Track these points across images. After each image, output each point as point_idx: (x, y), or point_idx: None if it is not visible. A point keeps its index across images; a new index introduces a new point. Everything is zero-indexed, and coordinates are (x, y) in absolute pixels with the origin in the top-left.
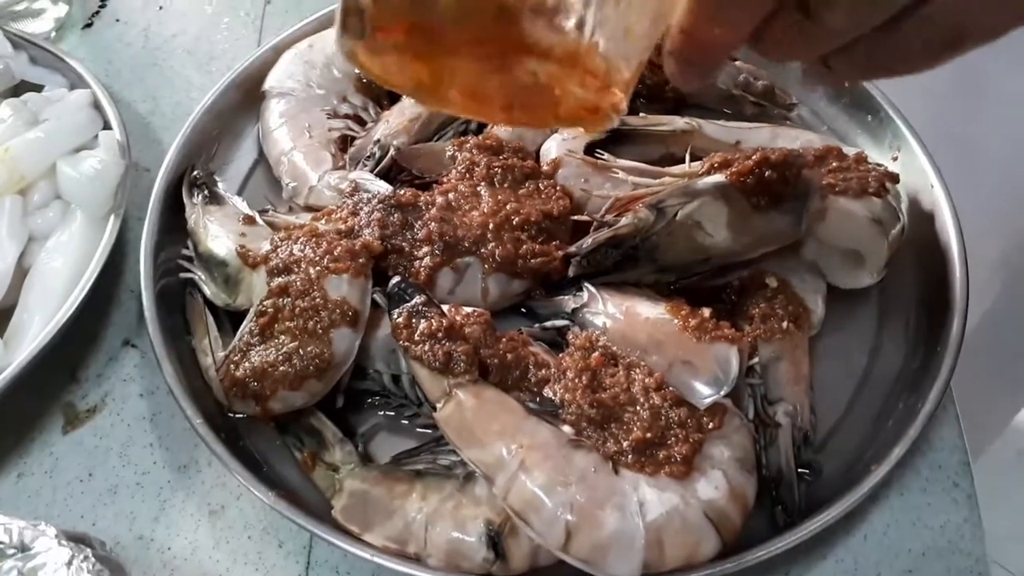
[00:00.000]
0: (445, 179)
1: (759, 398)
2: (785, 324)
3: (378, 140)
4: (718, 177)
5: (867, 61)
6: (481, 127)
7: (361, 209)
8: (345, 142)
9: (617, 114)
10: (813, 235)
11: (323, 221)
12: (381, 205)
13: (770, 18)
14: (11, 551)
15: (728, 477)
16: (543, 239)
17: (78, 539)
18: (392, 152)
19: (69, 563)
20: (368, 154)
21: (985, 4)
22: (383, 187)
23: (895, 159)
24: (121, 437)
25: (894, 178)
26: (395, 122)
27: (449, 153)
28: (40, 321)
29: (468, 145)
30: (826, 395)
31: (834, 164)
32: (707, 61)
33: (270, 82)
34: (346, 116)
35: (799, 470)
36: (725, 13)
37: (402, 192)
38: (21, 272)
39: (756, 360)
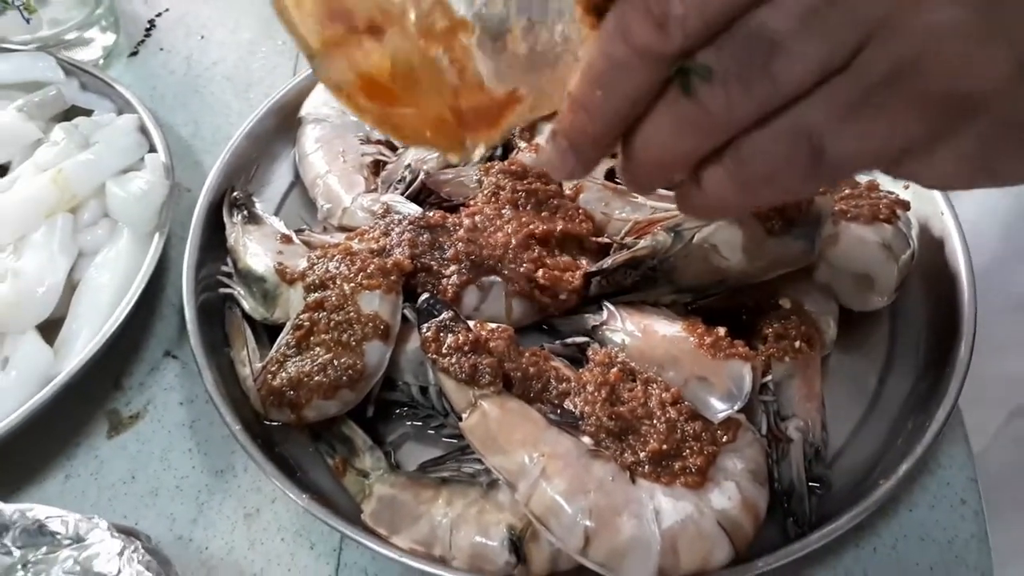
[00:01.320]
0: (472, 202)
1: (772, 414)
2: (797, 344)
3: (409, 165)
4: None
5: (739, 171)
6: (506, 153)
7: (392, 230)
8: (377, 166)
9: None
10: (825, 259)
11: (356, 240)
12: (411, 226)
13: (653, 103)
14: (67, 541)
15: (741, 488)
16: (565, 254)
17: (128, 532)
18: (422, 176)
19: (121, 553)
20: (399, 178)
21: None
22: (414, 209)
23: (906, 187)
24: (162, 442)
25: (905, 205)
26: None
27: (476, 178)
28: (88, 332)
29: (494, 170)
30: (838, 413)
31: (846, 191)
32: (586, 143)
33: (306, 109)
34: (378, 142)
35: (810, 484)
36: (611, 76)
37: (431, 214)
38: (71, 286)
39: (769, 378)
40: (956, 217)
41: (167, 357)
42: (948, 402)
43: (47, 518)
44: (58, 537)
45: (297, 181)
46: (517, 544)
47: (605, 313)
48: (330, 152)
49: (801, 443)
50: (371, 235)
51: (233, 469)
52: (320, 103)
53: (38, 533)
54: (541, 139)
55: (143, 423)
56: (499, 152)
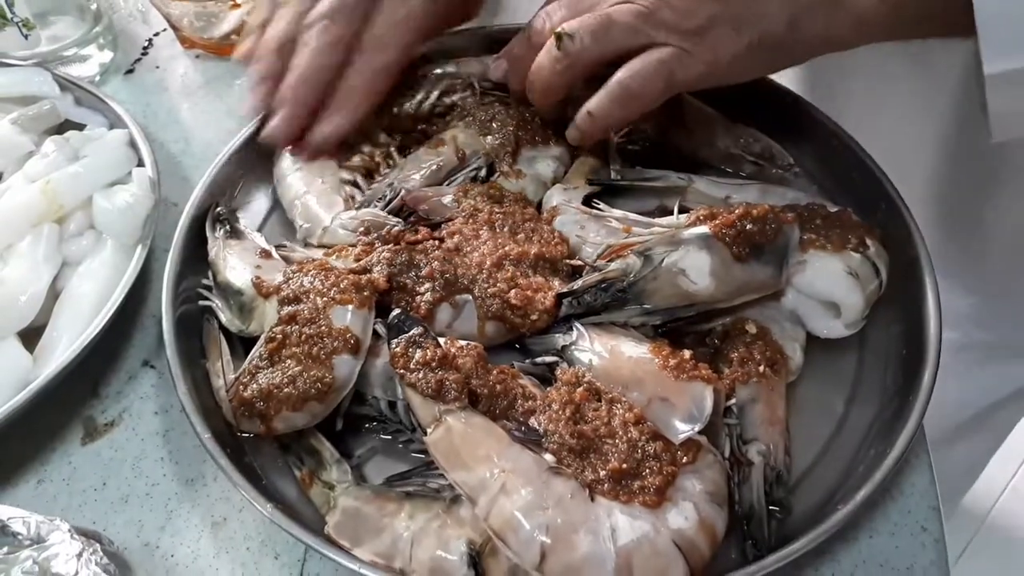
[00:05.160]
0: (449, 223)
1: (735, 437)
2: (762, 368)
3: (391, 184)
4: (702, 228)
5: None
6: (488, 176)
7: (375, 246)
8: (355, 188)
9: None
10: (793, 286)
11: (334, 257)
12: (390, 245)
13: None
14: (27, 542)
15: (699, 509)
16: (539, 276)
17: (89, 535)
18: (402, 194)
19: (79, 555)
20: (381, 195)
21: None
22: (393, 221)
23: (879, 216)
24: (135, 450)
25: (874, 234)
26: (408, 168)
27: (454, 198)
28: (67, 340)
29: (472, 192)
30: (802, 440)
31: (818, 220)
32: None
33: None
34: (355, 168)
35: (770, 507)
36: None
37: (414, 230)
38: (54, 294)
39: (733, 401)
40: (926, 246)
41: (145, 367)
42: (909, 430)
43: (9, 519)
44: (19, 538)
45: (279, 200)
46: (476, 559)
47: (575, 333)
48: (309, 173)
49: (762, 466)
50: (349, 253)
51: (203, 478)
52: None
53: (0, 534)
54: (522, 165)
55: (117, 431)
56: (483, 174)
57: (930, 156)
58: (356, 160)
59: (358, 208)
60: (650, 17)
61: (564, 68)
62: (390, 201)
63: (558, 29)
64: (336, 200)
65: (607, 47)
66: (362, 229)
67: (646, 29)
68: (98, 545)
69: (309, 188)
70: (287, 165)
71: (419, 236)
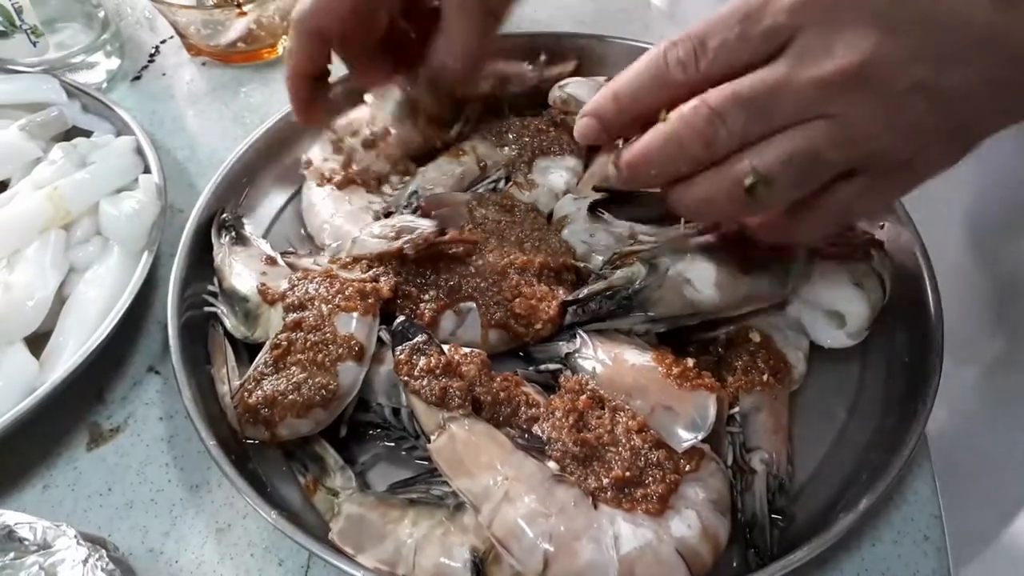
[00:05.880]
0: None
1: (738, 445)
2: (765, 377)
3: (415, 192)
4: (708, 237)
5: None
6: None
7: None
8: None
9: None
10: (798, 295)
11: (337, 265)
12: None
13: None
14: (34, 548)
15: (701, 517)
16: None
17: (95, 541)
18: (422, 200)
19: (85, 561)
20: (404, 203)
21: None
22: (426, 224)
23: (882, 227)
24: (140, 456)
25: (879, 245)
26: (431, 175)
27: (467, 204)
28: (73, 345)
29: (485, 200)
30: (805, 448)
31: None
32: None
33: (312, 156)
34: (385, 196)
35: (773, 516)
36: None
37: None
38: (60, 300)
39: (736, 409)
40: (928, 257)
41: (150, 373)
42: (912, 439)
43: (16, 524)
44: (26, 543)
45: (286, 206)
46: (479, 566)
47: (578, 341)
48: (337, 199)
49: (765, 475)
50: (359, 264)
51: (208, 484)
52: (321, 158)
53: (7, 539)
54: (535, 175)
55: (122, 436)
56: (502, 185)
57: None
58: (387, 190)
59: (384, 215)
60: (858, 147)
61: (748, 212)
62: (415, 208)
63: (751, 177)
64: (366, 219)
65: (806, 191)
66: (393, 234)
67: (851, 163)
68: (104, 551)
69: (337, 211)
70: (316, 193)
71: (448, 238)
